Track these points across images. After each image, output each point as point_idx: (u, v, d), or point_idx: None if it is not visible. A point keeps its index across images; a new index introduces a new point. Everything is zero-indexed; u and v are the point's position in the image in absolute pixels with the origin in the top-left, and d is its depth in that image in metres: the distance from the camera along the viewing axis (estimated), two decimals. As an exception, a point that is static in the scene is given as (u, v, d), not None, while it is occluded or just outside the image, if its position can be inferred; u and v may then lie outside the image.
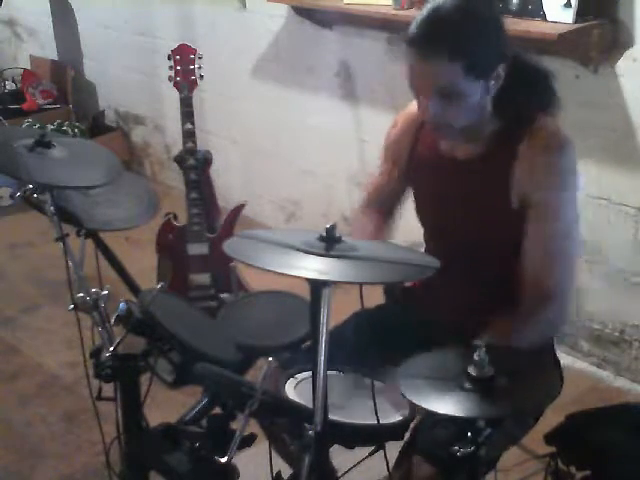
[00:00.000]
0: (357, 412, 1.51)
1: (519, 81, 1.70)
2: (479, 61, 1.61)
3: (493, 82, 1.65)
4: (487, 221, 1.78)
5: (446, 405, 1.33)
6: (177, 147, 3.38)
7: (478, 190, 1.78)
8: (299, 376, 1.62)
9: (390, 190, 2.02)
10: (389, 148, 1.99)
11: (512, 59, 1.67)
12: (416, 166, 1.91)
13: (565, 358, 2.59)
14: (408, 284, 1.96)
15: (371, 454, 1.53)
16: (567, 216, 1.70)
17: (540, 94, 1.75)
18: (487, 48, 1.63)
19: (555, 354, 1.90)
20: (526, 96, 1.73)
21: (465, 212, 1.81)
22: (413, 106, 1.92)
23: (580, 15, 2.56)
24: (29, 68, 5.28)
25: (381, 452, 1.51)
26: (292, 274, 1.23)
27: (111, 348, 1.50)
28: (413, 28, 1.62)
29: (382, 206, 2.02)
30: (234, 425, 1.48)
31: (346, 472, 1.63)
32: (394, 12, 2.96)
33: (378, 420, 1.44)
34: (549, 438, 1.68)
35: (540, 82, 1.75)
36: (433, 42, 1.59)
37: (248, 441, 1.48)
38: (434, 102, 1.64)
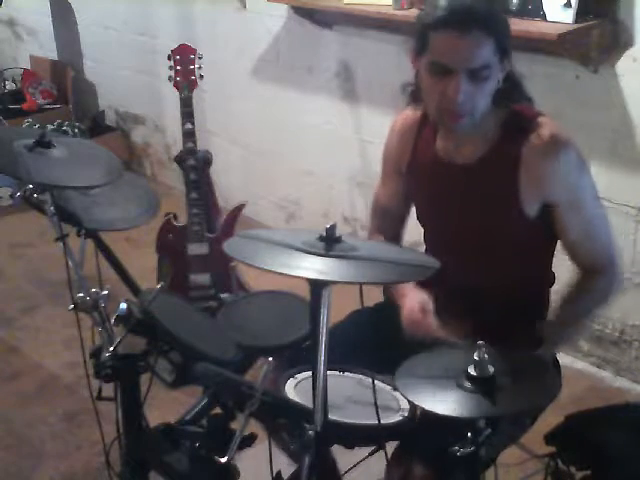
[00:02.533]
0: (357, 412, 1.51)
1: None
2: (505, 40, 1.68)
3: (501, 72, 1.70)
4: (488, 224, 1.79)
5: (446, 405, 1.33)
6: (177, 147, 3.38)
7: (478, 194, 1.79)
8: (299, 376, 1.62)
9: (396, 211, 2.01)
10: (390, 158, 1.98)
11: None
12: (414, 170, 1.91)
13: (565, 358, 2.58)
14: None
15: (371, 454, 1.53)
16: (593, 199, 1.79)
17: (519, 90, 1.78)
18: (508, 31, 1.72)
19: (555, 354, 1.90)
20: (509, 91, 1.75)
21: (464, 216, 1.82)
22: (409, 110, 1.92)
23: (580, 15, 2.56)
24: (29, 68, 5.27)
25: (381, 452, 1.51)
26: (292, 274, 1.23)
27: (111, 348, 1.50)
28: (440, 12, 1.66)
29: (390, 232, 2.01)
30: (234, 425, 1.48)
31: (346, 472, 1.63)
32: (394, 12, 2.96)
33: (379, 420, 1.44)
34: (549, 438, 1.67)
35: (514, 78, 1.77)
36: (471, 18, 1.64)
37: (248, 441, 1.48)
38: (464, 84, 1.65)
